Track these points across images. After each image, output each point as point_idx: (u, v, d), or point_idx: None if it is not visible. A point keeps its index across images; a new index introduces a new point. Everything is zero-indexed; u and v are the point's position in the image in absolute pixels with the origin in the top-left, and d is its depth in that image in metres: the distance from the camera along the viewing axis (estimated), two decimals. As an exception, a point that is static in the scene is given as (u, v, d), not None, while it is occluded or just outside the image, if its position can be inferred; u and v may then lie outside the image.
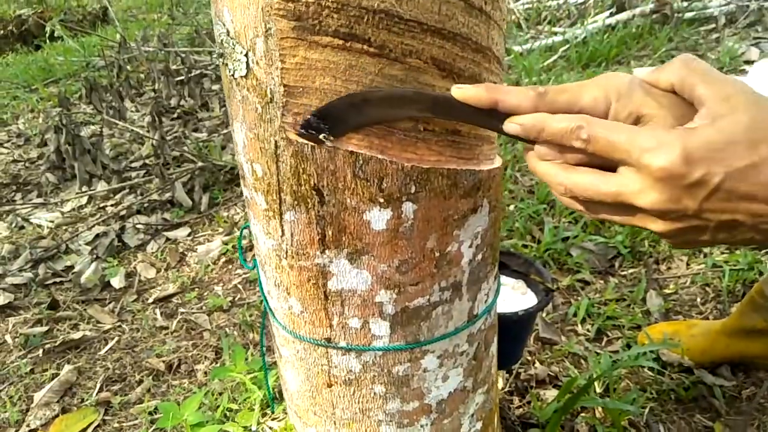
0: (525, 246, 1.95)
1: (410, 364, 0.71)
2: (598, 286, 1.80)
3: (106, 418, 1.63)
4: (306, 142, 0.55)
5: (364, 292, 0.64)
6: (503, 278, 1.16)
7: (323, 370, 0.72)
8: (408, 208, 0.59)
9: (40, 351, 1.91)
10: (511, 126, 0.49)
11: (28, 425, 1.65)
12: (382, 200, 0.58)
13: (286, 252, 0.64)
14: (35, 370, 1.84)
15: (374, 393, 0.73)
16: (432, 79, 0.55)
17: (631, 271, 1.85)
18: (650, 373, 1.46)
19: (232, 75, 0.58)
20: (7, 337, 1.99)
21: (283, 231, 0.63)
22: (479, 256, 0.69)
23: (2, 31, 6.82)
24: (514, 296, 1.15)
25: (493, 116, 0.50)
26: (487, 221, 0.68)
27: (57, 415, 1.67)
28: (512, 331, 1.07)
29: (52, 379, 1.78)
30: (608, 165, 0.45)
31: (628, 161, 0.42)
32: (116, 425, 1.60)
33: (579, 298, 1.76)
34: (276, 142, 0.57)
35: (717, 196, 0.40)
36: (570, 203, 0.49)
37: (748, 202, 0.40)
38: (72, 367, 1.82)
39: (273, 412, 1.37)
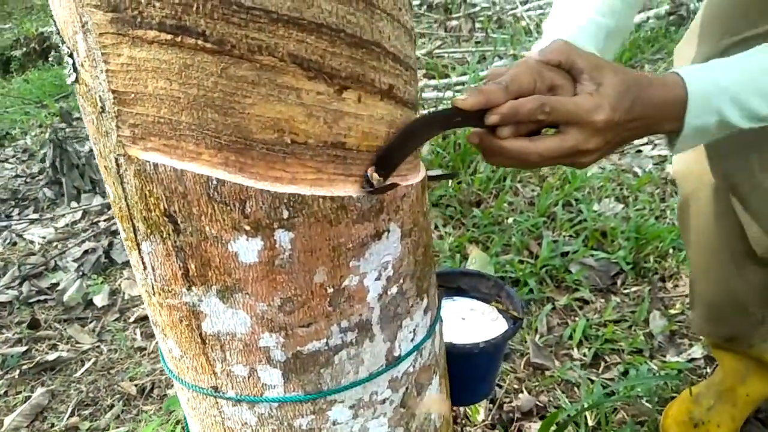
0: (521, 262, 1.82)
1: (314, 416, 0.60)
2: (598, 306, 1.67)
3: (73, 445, 1.56)
4: (163, 162, 0.46)
5: (244, 335, 0.54)
6: (472, 303, 1.05)
7: (216, 421, 0.62)
8: (282, 236, 0.49)
9: (17, 372, 1.85)
10: (493, 117, 0.59)
11: (-5, 452, 1.58)
12: (248, 228, 0.48)
13: (153, 288, 0.54)
14: (9, 392, 1.78)
15: (278, 448, 0.62)
16: (295, 81, 0.45)
17: (634, 289, 1.71)
18: (648, 405, 1.32)
19: (70, 82, 0.48)
20: (-14, 358, 1.93)
21: (144, 264, 0.53)
22: (393, 290, 0.59)
23: (25, 49, 6.94)
24: (483, 323, 1.03)
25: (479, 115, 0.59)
26: (400, 249, 0.58)
27: (25, 441, 1.60)
28: (474, 364, 0.95)
29: (25, 401, 1.72)
30: (533, 131, 0.61)
31: (576, 121, 0.59)
32: (82, 453, 1.52)
33: (576, 318, 1.63)
34: (116, 159, 0.48)
35: (624, 126, 0.61)
36: (521, 166, 0.63)
37: (635, 122, 0.61)
38: (45, 389, 1.75)
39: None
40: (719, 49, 0.78)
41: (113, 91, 0.44)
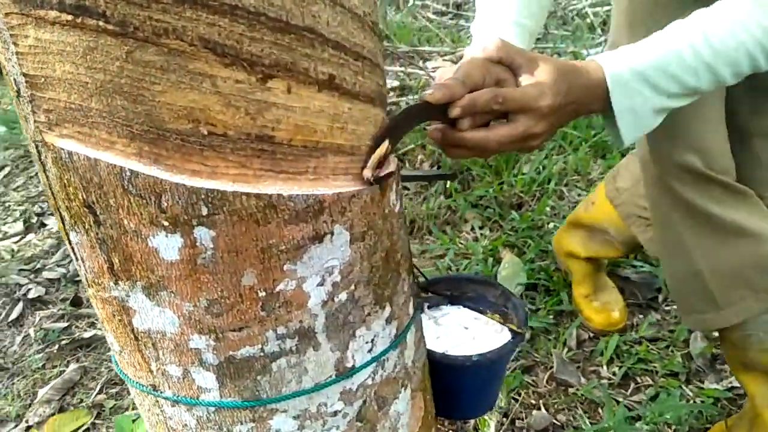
0: (557, 270, 1.73)
1: (255, 424, 0.57)
2: (635, 321, 1.56)
3: (97, 421, 1.61)
4: (77, 150, 0.44)
5: (174, 335, 0.52)
6: (475, 313, 0.99)
7: (160, 420, 0.60)
8: (203, 234, 0.46)
9: (56, 347, 1.92)
10: (456, 110, 0.63)
11: (26, 421, 1.65)
12: (166, 223, 0.46)
13: (86, 280, 0.53)
14: (46, 366, 1.86)
15: (223, 453, 0.60)
16: (209, 67, 0.41)
17: (675, 306, 1.58)
18: (676, 433, 1.22)
19: (-1, 63, 0.47)
20: (31, 331, 2.03)
21: (75, 255, 0.51)
22: (341, 297, 0.55)
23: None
24: (485, 333, 0.97)
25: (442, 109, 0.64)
26: (350, 253, 0.54)
27: (53, 414, 1.66)
28: (468, 377, 0.90)
29: (59, 376, 1.79)
30: (485, 122, 0.67)
31: (525, 109, 0.64)
32: (103, 431, 1.56)
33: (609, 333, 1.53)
34: (37, 145, 0.46)
35: (564, 110, 0.66)
36: (480, 155, 0.69)
37: (571, 105, 0.67)
38: (78, 366, 1.82)
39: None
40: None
41: (24, 75, 0.42)
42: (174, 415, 0.58)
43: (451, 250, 1.65)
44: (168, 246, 0.47)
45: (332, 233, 0.51)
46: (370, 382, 0.62)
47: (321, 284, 0.53)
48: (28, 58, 0.42)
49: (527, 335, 1.48)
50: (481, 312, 0.94)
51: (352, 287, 0.55)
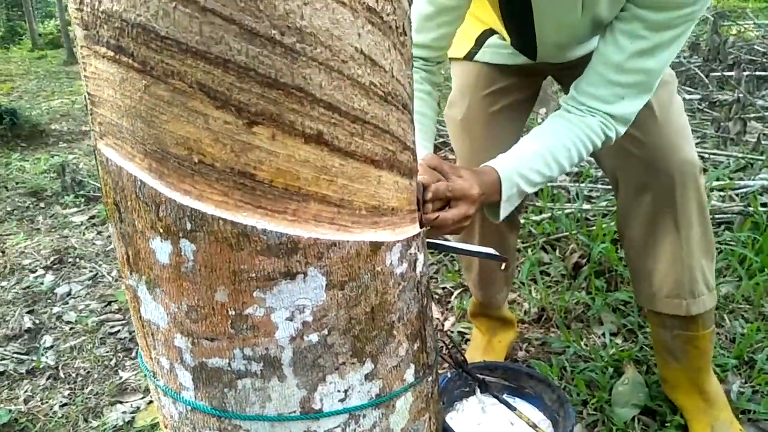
0: (695, 404, 1.50)
1: (220, 434, 0.62)
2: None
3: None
4: (111, 157, 0.55)
5: (164, 330, 0.59)
6: (528, 410, 0.92)
7: (157, 405, 0.68)
8: (186, 246, 0.53)
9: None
10: (429, 194, 0.83)
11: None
12: (161, 230, 0.54)
13: (119, 264, 0.63)
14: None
15: (199, 454, 0.65)
16: (203, 106, 0.49)
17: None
18: None
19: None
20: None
21: (113, 241, 0.62)
22: (311, 337, 0.58)
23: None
24: (534, 437, 0.90)
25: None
26: (325, 298, 0.57)
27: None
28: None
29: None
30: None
31: (464, 196, 0.85)
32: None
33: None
34: (94, 149, 0.58)
35: (481, 199, 0.88)
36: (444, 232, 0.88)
37: (483, 196, 0.89)
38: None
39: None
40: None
41: (88, 93, 0.55)
42: (165, 405, 0.66)
43: (572, 349, 1.53)
44: (162, 250, 0.55)
45: (305, 274, 0.55)
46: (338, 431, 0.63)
47: (290, 319, 0.56)
48: (90, 81, 0.54)
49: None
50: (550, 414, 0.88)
51: (325, 332, 0.58)
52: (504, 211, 0.94)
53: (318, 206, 0.54)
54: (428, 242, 0.76)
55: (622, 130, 0.96)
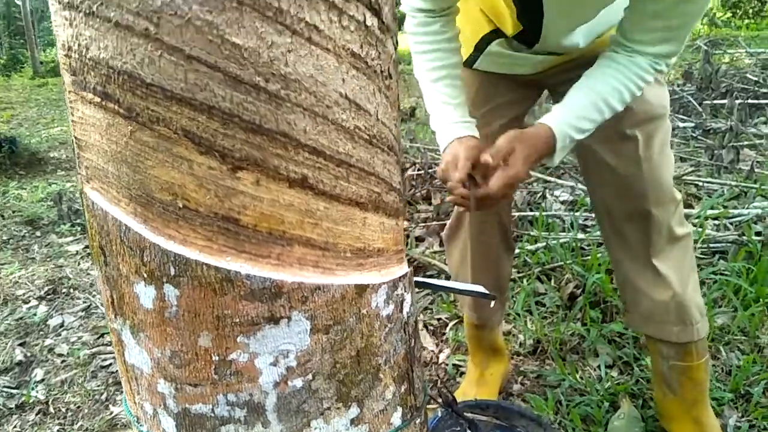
0: None
1: (204, 481, 0.61)
2: None
3: None
4: (97, 201, 0.55)
5: (148, 375, 0.59)
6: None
7: (142, 450, 0.67)
8: (169, 291, 0.53)
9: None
10: (486, 157, 0.97)
11: None
12: (146, 275, 0.54)
13: (104, 307, 0.63)
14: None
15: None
16: (187, 152, 0.49)
17: None
18: None
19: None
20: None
21: (98, 284, 0.62)
22: (296, 382, 0.57)
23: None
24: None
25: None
26: (309, 342, 0.56)
27: None
28: None
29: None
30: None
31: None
32: None
33: None
34: (81, 192, 0.58)
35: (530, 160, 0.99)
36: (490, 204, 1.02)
37: (537, 156, 1.00)
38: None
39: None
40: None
41: (75, 138, 0.55)
42: (149, 449, 0.65)
43: (567, 382, 1.52)
44: (146, 295, 0.54)
45: (289, 318, 0.55)
46: (327, 477, 0.62)
47: (274, 364, 0.56)
48: (78, 126, 0.54)
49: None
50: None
51: (310, 376, 0.57)
52: (557, 159, 1.02)
53: (302, 250, 0.54)
54: (416, 281, 0.75)
55: (671, 62, 1.01)
